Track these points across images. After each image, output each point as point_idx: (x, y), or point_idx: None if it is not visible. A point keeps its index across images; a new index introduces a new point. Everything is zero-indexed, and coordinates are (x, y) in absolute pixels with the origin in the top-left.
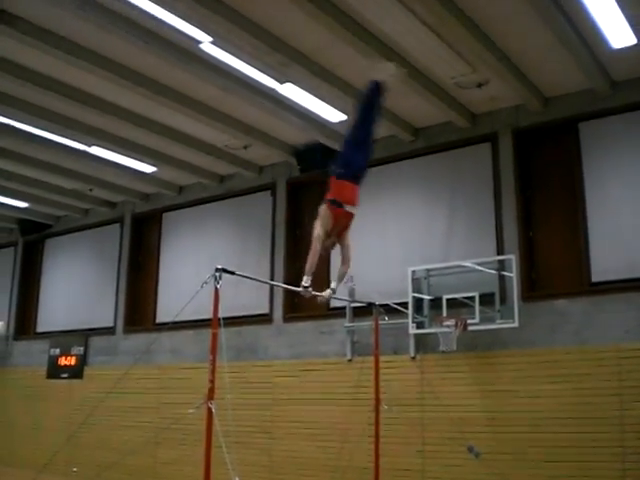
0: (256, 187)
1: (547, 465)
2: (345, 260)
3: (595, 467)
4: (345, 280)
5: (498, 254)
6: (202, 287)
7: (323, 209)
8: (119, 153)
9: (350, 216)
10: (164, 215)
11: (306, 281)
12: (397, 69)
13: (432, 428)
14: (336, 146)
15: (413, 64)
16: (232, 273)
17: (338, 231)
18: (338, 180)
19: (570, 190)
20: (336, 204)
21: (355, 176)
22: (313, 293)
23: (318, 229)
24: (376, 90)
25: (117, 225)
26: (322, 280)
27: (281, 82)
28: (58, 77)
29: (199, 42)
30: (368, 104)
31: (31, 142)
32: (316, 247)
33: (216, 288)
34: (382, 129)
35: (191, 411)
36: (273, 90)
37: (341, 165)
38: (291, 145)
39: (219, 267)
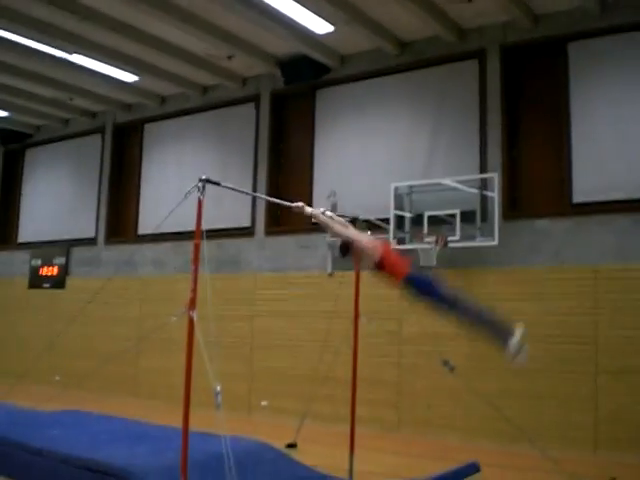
0: (240, 99)
1: (520, 380)
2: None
3: (568, 385)
4: (327, 195)
5: (481, 172)
6: (186, 197)
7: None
8: (100, 61)
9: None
10: (146, 126)
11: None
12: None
13: (409, 342)
14: (322, 58)
15: None
16: (217, 184)
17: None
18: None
19: (556, 110)
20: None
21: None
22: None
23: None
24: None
25: (98, 135)
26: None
27: None
28: None
29: None
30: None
31: (11, 50)
32: (341, 232)
33: (199, 199)
34: (367, 41)
35: (173, 319)
36: None
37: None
38: (276, 56)
39: (203, 177)
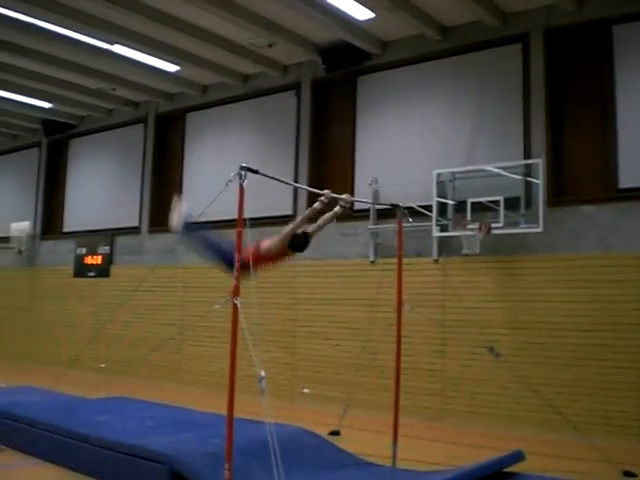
0: (280, 87)
1: (565, 369)
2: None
3: (612, 373)
4: (369, 182)
5: (525, 158)
6: (227, 185)
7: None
8: (142, 52)
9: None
10: (187, 115)
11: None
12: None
13: (453, 330)
14: (362, 45)
15: None
16: (256, 172)
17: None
18: None
19: (601, 94)
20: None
21: None
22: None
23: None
24: None
25: (141, 125)
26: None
27: None
28: None
29: None
30: None
31: (54, 41)
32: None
33: (241, 185)
34: (409, 27)
35: (217, 306)
36: None
37: None
38: (317, 44)
39: (244, 165)
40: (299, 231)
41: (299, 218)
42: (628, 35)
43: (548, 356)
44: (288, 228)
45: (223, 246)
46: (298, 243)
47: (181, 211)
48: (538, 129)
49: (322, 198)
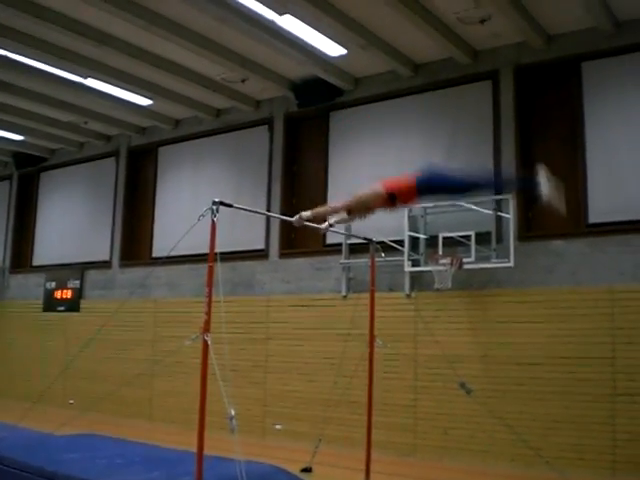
0: (253, 121)
1: (537, 404)
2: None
3: (585, 407)
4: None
5: (495, 193)
6: (199, 220)
7: (377, 191)
8: (115, 85)
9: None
10: (160, 149)
11: (306, 215)
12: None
13: (425, 364)
14: (335, 81)
15: None
16: (229, 206)
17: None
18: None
19: (570, 130)
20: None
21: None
22: (305, 223)
23: (360, 199)
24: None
25: (113, 159)
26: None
27: (280, 13)
28: (53, 7)
29: None
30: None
31: (26, 73)
32: (336, 207)
33: (213, 221)
34: (381, 64)
35: (187, 343)
36: (272, 22)
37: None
38: (289, 79)
39: (216, 200)
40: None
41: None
42: (597, 72)
43: (520, 390)
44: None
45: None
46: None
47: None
48: (508, 164)
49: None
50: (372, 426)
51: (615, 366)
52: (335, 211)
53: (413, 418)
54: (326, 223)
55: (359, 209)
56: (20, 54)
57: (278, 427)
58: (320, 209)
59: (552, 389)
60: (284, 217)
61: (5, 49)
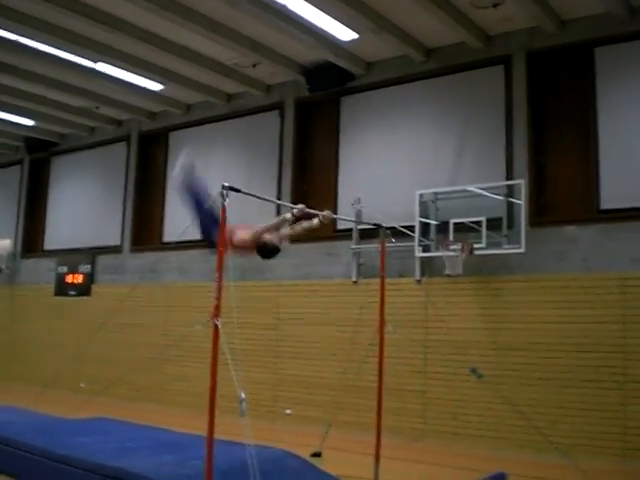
0: (264, 106)
1: (548, 390)
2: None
3: (596, 394)
4: (352, 202)
5: (507, 179)
6: (209, 204)
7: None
8: (126, 70)
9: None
10: (171, 134)
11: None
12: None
13: (435, 350)
14: (346, 65)
15: None
16: (238, 191)
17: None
18: None
19: (583, 116)
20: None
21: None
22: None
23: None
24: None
25: (124, 143)
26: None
27: None
28: None
29: None
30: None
31: (37, 58)
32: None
33: (223, 205)
34: (393, 48)
35: (198, 327)
36: (283, 6)
37: None
38: (300, 64)
39: (225, 184)
40: (269, 240)
41: (270, 224)
42: (610, 57)
43: (531, 377)
44: (259, 228)
45: (207, 217)
46: (266, 251)
47: (184, 162)
48: (520, 150)
49: (294, 210)
50: (382, 411)
51: (626, 353)
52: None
53: (423, 403)
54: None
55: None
56: (31, 38)
57: (288, 412)
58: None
59: (563, 375)
60: (291, 205)
61: (16, 33)
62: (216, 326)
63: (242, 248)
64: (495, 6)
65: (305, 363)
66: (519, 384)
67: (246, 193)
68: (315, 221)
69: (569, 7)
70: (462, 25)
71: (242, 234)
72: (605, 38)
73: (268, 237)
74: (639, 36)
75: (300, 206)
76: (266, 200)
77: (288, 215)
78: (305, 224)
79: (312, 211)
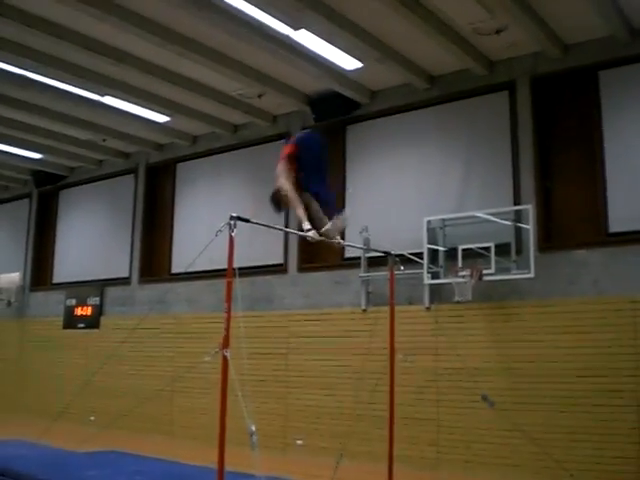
0: (270, 136)
1: (561, 415)
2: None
3: (610, 418)
4: (360, 230)
5: (515, 204)
6: (217, 235)
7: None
8: (132, 103)
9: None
10: (178, 165)
11: (306, 225)
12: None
13: (447, 378)
14: (351, 94)
15: (430, 9)
16: (247, 221)
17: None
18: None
19: (589, 139)
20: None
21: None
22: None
23: (286, 184)
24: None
25: (131, 176)
26: None
27: (295, 28)
28: (71, 26)
29: None
30: None
31: (44, 92)
32: (294, 197)
33: (231, 236)
34: (397, 77)
35: (207, 359)
36: (287, 37)
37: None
38: (305, 94)
39: (234, 215)
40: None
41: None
42: (615, 80)
43: (544, 402)
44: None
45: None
46: (275, 200)
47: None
48: (527, 175)
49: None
50: (394, 440)
51: (639, 376)
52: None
53: (435, 432)
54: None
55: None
56: (38, 73)
57: (299, 442)
58: (296, 212)
59: (575, 401)
60: (300, 233)
61: (24, 68)
62: (225, 357)
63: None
64: (498, 32)
65: (315, 392)
66: (532, 410)
67: (255, 222)
68: (339, 222)
69: (572, 31)
70: (465, 52)
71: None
72: (609, 61)
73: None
74: None
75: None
76: (274, 228)
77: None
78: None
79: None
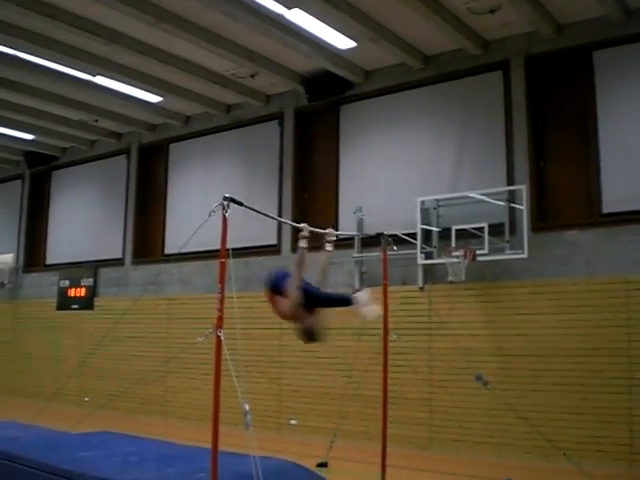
0: (263, 117)
1: (553, 395)
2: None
3: (602, 398)
4: (353, 211)
5: (508, 185)
6: (210, 216)
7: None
8: (124, 83)
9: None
10: (171, 146)
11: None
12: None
13: (440, 358)
14: (345, 74)
15: None
16: (240, 204)
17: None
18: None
19: (582, 120)
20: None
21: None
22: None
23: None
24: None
25: (124, 156)
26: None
27: (289, 7)
28: (62, 5)
29: None
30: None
31: (36, 73)
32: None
33: (224, 216)
34: (391, 56)
35: (200, 339)
36: (281, 16)
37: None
38: (299, 73)
39: (227, 196)
40: (310, 324)
41: (296, 270)
42: (608, 60)
43: (536, 382)
44: (292, 286)
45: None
46: (309, 337)
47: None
48: (521, 155)
49: (303, 233)
50: (387, 420)
51: (631, 357)
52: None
53: (428, 412)
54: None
55: None
56: (29, 53)
57: (293, 422)
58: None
59: (568, 381)
60: (292, 223)
61: (15, 48)
62: (219, 337)
63: (284, 317)
64: (492, 12)
65: (309, 373)
66: (524, 390)
67: (247, 207)
68: (328, 248)
69: (566, 11)
70: (460, 32)
71: (283, 306)
72: (603, 41)
73: (308, 321)
74: (637, 38)
75: (303, 225)
76: (267, 216)
77: (302, 244)
78: (322, 266)
79: (316, 230)
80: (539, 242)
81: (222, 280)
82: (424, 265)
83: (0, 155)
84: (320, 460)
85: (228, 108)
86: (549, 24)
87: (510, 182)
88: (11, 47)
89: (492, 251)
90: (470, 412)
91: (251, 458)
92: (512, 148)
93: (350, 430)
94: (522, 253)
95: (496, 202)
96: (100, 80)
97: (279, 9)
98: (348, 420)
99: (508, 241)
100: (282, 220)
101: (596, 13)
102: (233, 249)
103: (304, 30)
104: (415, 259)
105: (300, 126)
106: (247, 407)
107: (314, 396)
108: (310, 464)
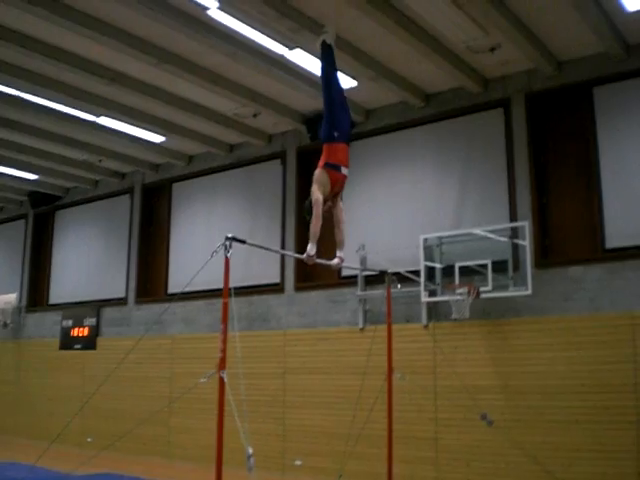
0: (266, 156)
1: (560, 433)
2: (341, 224)
3: (609, 435)
4: (356, 249)
5: (511, 221)
6: (212, 256)
7: (319, 173)
8: (128, 123)
9: (344, 178)
10: (174, 185)
11: (311, 249)
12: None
13: (445, 396)
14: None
15: (424, 28)
16: (242, 242)
17: (333, 195)
18: (330, 144)
19: (584, 156)
20: (333, 167)
21: (345, 135)
22: (317, 260)
23: (317, 194)
24: (325, 49)
25: (127, 196)
26: (332, 247)
27: (290, 48)
28: (65, 47)
29: (206, 8)
30: (325, 64)
31: (40, 113)
32: (319, 212)
33: (226, 257)
34: (392, 95)
35: (202, 380)
36: (282, 56)
37: (329, 129)
38: (301, 113)
39: (229, 236)
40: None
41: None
42: (609, 96)
43: (542, 420)
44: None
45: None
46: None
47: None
48: (523, 192)
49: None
50: (393, 460)
51: (638, 392)
52: (319, 205)
53: (435, 451)
54: (336, 260)
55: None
56: (33, 94)
57: (298, 463)
58: (313, 227)
59: (575, 418)
60: (296, 255)
61: (19, 89)
62: (221, 379)
63: None
64: (492, 50)
65: (313, 412)
66: (531, 427)
67: (251, 244)
68: (335, 261)
69: (566, 48)
70: (460, 70)
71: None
72: (603, 77)
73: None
74: (637, 74)
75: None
76: (269, 250)
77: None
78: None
79: (321, 261)
80: (543, 278)
81: (225, 320)
82: (428, 303)
83: (4, 195)
84: None
85: (231, 148)
86: (549, 61)
87: (513, 218)
88: (15, 88)
89: (496, 288)
90: (477, 450)
91: None
92: (514, 185)
93: (356, 470)
94: (526, 290)
95: (499, 239)
96: (104, 120)
97: (280, 49)
98: (353, 460)
99: (512, 278)
100: (284, 252)
101: (596, 49)
102: (236, 288)
103: (305, 70)
104: (419, 297)
105: (302, 165)
106: (250, 451)
107: (319, 436)
108: None
